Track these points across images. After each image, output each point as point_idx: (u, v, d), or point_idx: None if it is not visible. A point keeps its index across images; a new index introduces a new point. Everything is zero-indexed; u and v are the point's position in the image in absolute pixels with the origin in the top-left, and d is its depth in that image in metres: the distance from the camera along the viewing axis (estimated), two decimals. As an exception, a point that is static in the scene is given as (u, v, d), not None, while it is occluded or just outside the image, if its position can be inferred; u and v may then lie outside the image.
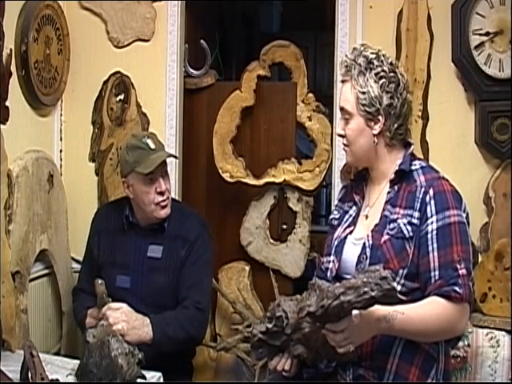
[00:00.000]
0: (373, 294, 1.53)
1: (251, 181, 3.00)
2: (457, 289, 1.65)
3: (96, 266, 2.42)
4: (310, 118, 3.00)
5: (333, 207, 2.20)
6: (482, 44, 2.53)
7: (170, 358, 2.21)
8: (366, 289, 1.53)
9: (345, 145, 1.86)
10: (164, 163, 2.32)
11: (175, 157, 2.50)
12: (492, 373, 2.29)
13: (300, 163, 2.99)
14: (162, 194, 2.29)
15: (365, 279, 1.55)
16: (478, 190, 2.61)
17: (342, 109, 1.84)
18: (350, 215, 1.91)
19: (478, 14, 2.53)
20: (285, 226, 3.11)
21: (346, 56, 1.84)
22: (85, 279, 2.47)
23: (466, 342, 2.29)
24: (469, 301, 1.69)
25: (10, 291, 2.25)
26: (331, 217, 2.00)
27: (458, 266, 1.68)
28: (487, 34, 2.53)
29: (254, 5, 5.15)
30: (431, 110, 2.66)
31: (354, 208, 1.91)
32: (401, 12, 2.67)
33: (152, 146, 2.28)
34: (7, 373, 1.86)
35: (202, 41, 3.18)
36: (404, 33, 2.66)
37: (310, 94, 3.01)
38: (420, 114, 2.65)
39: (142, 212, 2.35)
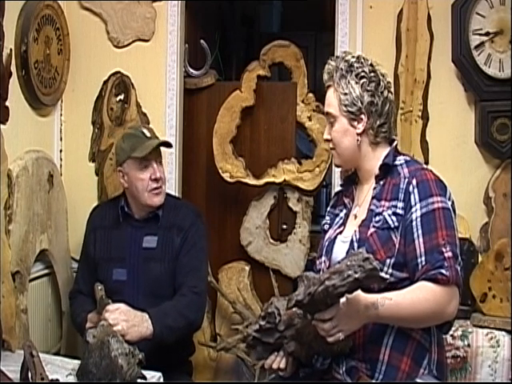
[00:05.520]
0: (356, 275, 1.55)
1: (251, 181, 3.00)
2: (443, 271, 1.66)
3: (93, 266, 2.42)
4: (309, 118, 3.00)
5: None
6: (481, 44, 2.53)
7: (170, 354, 2.22)
8: (349, 272, 1.55)
9: (331, 148, 1.92)
10: (159, 152, 2.36)
11: (170, 145, 2.48)
12: (492, 373, 2.30)
13: (300, 163, 2.99)
14: (156, 180, 2.33)
15: (348, 263, 1.57)
16: (478, 189, 2.61)
17: (327, 113, 1.89)
18: (341, 217, 1.94)
19: (478, 13, 2.53)
20: (285, 226, 3.11)
21: (329, 63, 1.89)
22: (82, 280, 2.47)
23: (466, 342, 2.30)
24: (457, 283, 1.70)
25: (10, 291, 2.25)
26: (323, 222, 2.03)
27: (444, 250, 1.69)
28: (487, 34, 2.53)
29: (253, 5, 5.15)
30: (431, 110, 2.66)
31: (345, 210, 1.95)
32: (401, 12, 2.67)
33: (147, 134, 2.34)
34: (7, 373, 1.86)
35: (202, 41, 3.18)
36: (404, 33, 2.66)
37: (310, 94, 3.01)
38: (420, 113, 2.65)
39: (136, 201, 2.38)
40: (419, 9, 2.65)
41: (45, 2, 2.65)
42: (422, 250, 1.70)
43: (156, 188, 2.34)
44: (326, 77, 1.89)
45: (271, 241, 3.07)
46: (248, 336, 1.81)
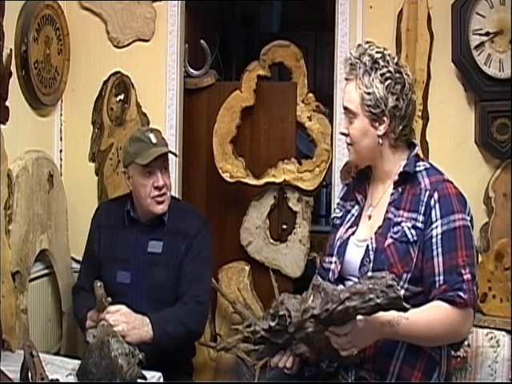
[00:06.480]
0: (378, 301, 1.53)
1: (251, 181, 3.00)
2: (461, 294, 1.65)
3: (96, 263, 2.42)
4: (310, 118, 3.00)
5: (333, 207, 2.20)
6: (481, 44, 2.53)
7: (170, 357, 2.21)
8: (371, 295, 1.53)
9: (348, 143, 1.84)
10: (164, 159, 2.33)
11: (175, 154, 2.51)
12: (492, 373, 2.29)
13: (300, 163, 2.99)
14: (158, 188, 2.30)
15: (371, 286, 1.54)
16: (478, 190, 2.61)
17: (345, 108, 1.81)
18: (353, 215, 1.89)
19: (478, 13, 2.52)
20: (285, 226, 3.11)
21: (351, 54, 1.80)
22: (85, 277, 2.47)
23: (466, 342, 2.29)
24: (473, 306, 1.68)
25: (10, 291, 2.25)
26: (333, 215, 1.99)
27: (463, 271, 1.67)
28: (487, 34, 2.53)
29: (254, 5, 5.16)
30: (431, 110, 2.66)
31: (357, 207, 1.89)
32: (401, 12, 2.67)
33: (154, 140, 2.31)
34: (7, 373, 1.86)
35: (202, 41, 3.18)
36: (404, 33, 2.66)
37: (310, 94, 3.01)
38: (420, 114, 2.65)
39: (140, 206, 2.37)
40: (419, 9, 2.65)
41: (45, 2, 2.65)
42: (441, 268, 1.68)
43: (159, 196, 2.31)
44: (346, 68, 1.80)
45: (271, 241, 3.07)
46: (256, 333, 1.77)
